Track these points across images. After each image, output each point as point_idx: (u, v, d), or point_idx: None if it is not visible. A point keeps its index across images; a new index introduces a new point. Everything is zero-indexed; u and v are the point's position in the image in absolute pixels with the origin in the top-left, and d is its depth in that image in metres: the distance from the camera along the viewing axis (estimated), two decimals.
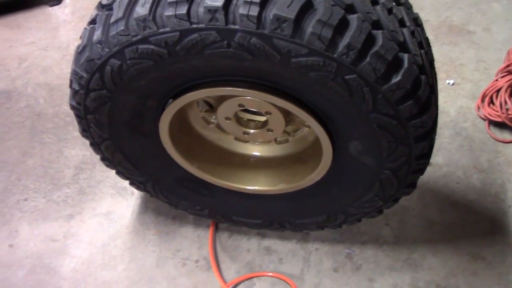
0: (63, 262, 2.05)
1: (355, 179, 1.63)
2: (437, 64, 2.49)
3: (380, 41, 1.24)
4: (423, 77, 1.33)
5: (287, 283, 1.91)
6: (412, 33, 1.37)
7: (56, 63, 2.78)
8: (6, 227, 2.17)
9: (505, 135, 2.23)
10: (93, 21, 1.40)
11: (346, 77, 1.25)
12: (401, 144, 1.42)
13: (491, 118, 2.21)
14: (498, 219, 2.01)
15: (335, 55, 1.21)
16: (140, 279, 1.97)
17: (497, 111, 2.19)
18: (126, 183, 2.23)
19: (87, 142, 2.32)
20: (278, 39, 1.20)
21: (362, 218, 1.83)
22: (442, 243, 1.97)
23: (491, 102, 2.24)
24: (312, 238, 2.03)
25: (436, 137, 2.24)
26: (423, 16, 2.73)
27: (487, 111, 2.23)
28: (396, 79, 1.27)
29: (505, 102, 2.17)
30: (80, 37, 1.44)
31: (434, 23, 2.72)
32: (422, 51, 1.39)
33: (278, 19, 1.17)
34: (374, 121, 1.36)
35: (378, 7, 1.30)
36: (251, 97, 1.52)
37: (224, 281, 1.93)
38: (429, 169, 2.17)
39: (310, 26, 1.19)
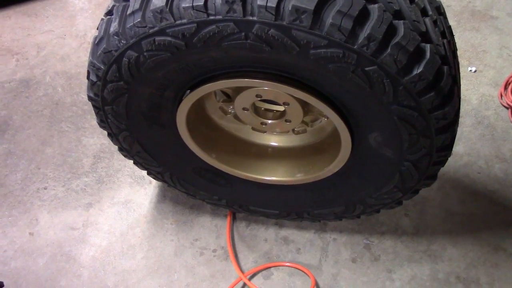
0: (82, 251, 2.07)
1: (374, 170, 1.61)
2: (459, 51, 2.43)
3: (401, 31, 1.21)
4: (445, 67, 1.30)
5: (305, 273, 1.91)
6: (435, 22, 1.33)
7: (73, 51, 2.78)
8: (26, 215, 2.20)
9: None
10: (109, 12, 1.39)
11: (367, 68, 1.23)
12: (423, 136, 1.40)
13: None
14: None
15: (355, 47, 1.19)
16: (158, 268, 1.99)
17: None
18: (144, 172, 2.24)
19: (105, 131, 2.34)
20: (297, 30, 1.18)
21: (381, 209, 1.81)
22: (462, 234, 1.95)
23: None
24: (330, 228, 2.02)
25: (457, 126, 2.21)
26: (444, 1, 2.68)
27: (510, 98, 2.18)
28: (418, 70, 1.24)
29: None
30: (97, 28, 1.43)
31: (456, 9, 2.66)
32: (445, 40, 1.35)
33: (297, 10, 1.15)
34: (394, 113, 1.34)
35: None
36: (269, 88, 1.51)
37: (242, 270, 1.93)
38: (449, 159, 2.12)
39: (329, 17, 1.16)
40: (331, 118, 1.46)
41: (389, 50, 1.20)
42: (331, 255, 1.95)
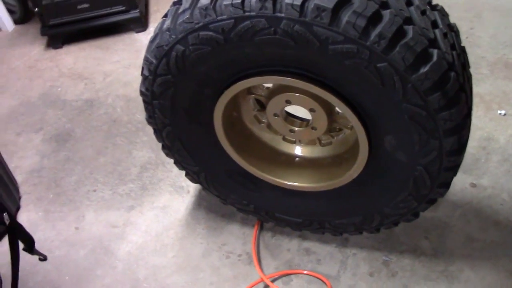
0: (120, 246, 2.25)
1: (390, 176, 1.73)
2: (489, 96, 2.59)
3: (410, 34, 1.38)
4: (452, 73, 1.45)
5: (323, 281, 1.99)
6: (445, 35, 1.50)
7: (136, 79, 3.11)
8: (75, 212, 2.42)
9: None
10: (165, 15, 1.65)
11: (378, 65, 1.40)
12: (432, 138, 1.52)
13: None
14: None
15: (367, 43, 1.37)
16: (186, 266, 2.12)
17: None
18: (184, 182, 2.45)
19: (154, 146, 2.60)
20: (317, 26, 1.38)
21: (399, 221, 1.90)
22: (481, 259, 1.98)
23: None
24: (351, 243, 2.11)
25: (483, 161, 2.32)
26: (479, 52, 2.85)
27: None
28: (424, 69, 1.39)
29: None
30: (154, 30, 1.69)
31: (490, 59, 2.80)
32: (454, 52, 1.51)
33: (318, 8, 1.36)
34: (405, 111, 1.48)
35: (412, 8, 1.46)
36: (297, 94, 1.71)
37: (263, 274, 2.04)
38: (473, 190, 2.21)
39: (346, 16, 1.36)
40: (349, 118, 1.61)
41: (397, 48, 1.37)
42: (350, 268, 2.03)
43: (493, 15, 3.17)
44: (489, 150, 2.35)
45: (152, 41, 1.66)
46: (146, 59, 1.70)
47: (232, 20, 1.46)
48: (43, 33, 3.51)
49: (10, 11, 3.83)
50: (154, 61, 1.67)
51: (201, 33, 1.52)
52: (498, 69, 2.74)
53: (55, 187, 2.56)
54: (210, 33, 1.51)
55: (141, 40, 3.49)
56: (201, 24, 1.51)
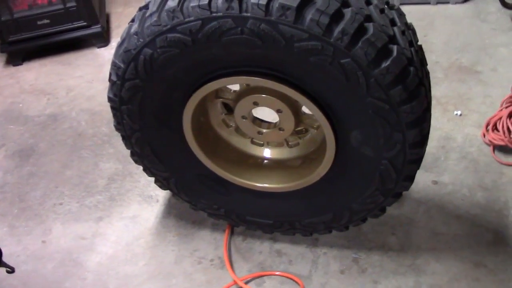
0: (89, 257, 2.22)
1: (357, 171, 1.79)
2: (445, 98, 2.71)
3: (371, 30, 1.46)
4: (411, 68, 1.53)
5: (296, 281, 2.02)
6: (403, 32, 1.58)
7: (99, 93, 3.10)
8: (41, 226, 2.38)
9: (510, 159, 2.35)
10: (132, 20, 1.68)
11: (342, 61, 1.46)
12: (395, 131, 1.59)
13: (495, 142, 2.35)
14: (501, 231, 2.09)
15: (331, 40, 1.43)
16: (158, 274, 2.11)
17: (500, 136, 2.33)
18: (152, 191, 2.45)
19: (121, 157, 2.59)
20: (282, 24, 1.43)
21: (367, 217, 1.96)
22: (446, 251, 2.06)
23: (495, 128, 2.38)
24: (321, 243, 2.15)
25: (443, 159, 2.41)
26: (433, 58, 2.98)
27: (491, 136, 2.37)
28: (386, 64, 1.47)
29: (508, 128, 2.31)
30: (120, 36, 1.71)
31: (444, 64, 2.93)
32: (412, 49, 1.59)
33: (283, 7, 1.41)
34: (369, 106, 1.54)
35: (371, 7, 1.53)
36: (264, 95, 1.76)
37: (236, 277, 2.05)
38: (434, 187, 2.30)
39: (310, 14, 1.42)
40: (316, 117, 1.67)
41: (360, 44, 1.44)
42: (321, 267, 2.07)
43: (445, 23, 3.32)
44: (447, 148, 2.44)
45: (119, 45, 1.68)
46: (113, 64, 1.72)
47: (200, 21, 1.50)
48: (2, 50, 3.46)
49: None
50: (122, 65, 1.69)
51: (169, 35, 1.55)
52: (452, 72, 2.87)
53: (19, 202, 2.51)
54: (178, 35, 1.54)
55: (104, 55, 3.48)
56: (168, 26, 1.54)
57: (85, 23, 3.44)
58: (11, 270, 1.88)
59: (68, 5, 3.35)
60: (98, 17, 3.48)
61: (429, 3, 3.49)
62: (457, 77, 2.83)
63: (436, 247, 2.08)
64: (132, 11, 3.63)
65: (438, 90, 2.76)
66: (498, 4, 3.38)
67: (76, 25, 3.43)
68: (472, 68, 2.88)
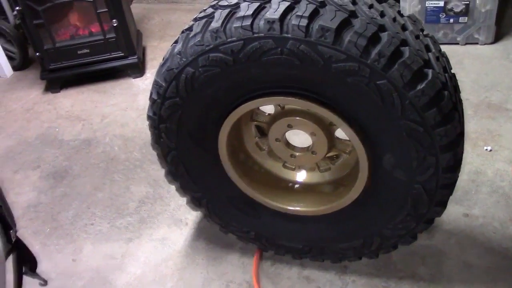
0: (118, 277, 2.24)
1: (389, 195, 1.80)
2: (475, 134, 2.72)
3: (407, 54, 1.50)
4: (446, 92, 1.56)
5: None
6: (437, 58, 1.63)
7: (132, 120, 3.19)
8: (72, 245, 2.42)
9: None
10: (176, 41, 1.76)
11: (378, 82, 1.50)
12: (429, 154, 1.60)
13: None
14: None
15: (368, 61, 1.48)
16: None
17: None
18: (182, 215, 2.48)
19: (152, 181, 2.64)
20: (321, 45, 1.49)
21: (397, 244, 1.95)
22: (477, 284, 2.02)
23: None
24: (350, 271, 2.13)
25: (473, 193, 2.40)
26: (463, 95, 2.96)
27: None
28: (421, 86, 1.50)
29: None
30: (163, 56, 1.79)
31: (474, 101, 2.95)
32: (446, 74, 1.63)
33: (323, 28, 1.47)
34: (403, 128, 1.57)
35: (407, 32, 1.58)
36: (298, 118, 1.81)
37: None
38: (465, 220, 2.28)
39: (348, 36, 1.47)
40: (350, 138, 1.70)
41: (396, 66, 1.48)
42: None
43: (474, 62, 3.37)
44: (478, 182, 2.44)
45: (162, 65, 1.76)
46: (155, 83, 1.79)
47: (242, 42, 1.56)
48: (42, 77, 3.60)
49: (10, 58, 3.93)
50: (163, 84, 1.76)
51: (211, 54, 1.62)
52: (481, 109, 2.89)
53: (51, 221, 2.56)
54: (220, 54, 1.61)
55: (138, 85, 3.60)
56: (211, 46, 1.61)
57: (122, 54, 3.57)
58: (44, 283, 1.90)
59: (108, 36, 3.50)
60: (135, 49, 3.62)
61: (458, 43, 3.55)
62: (486, 114, 2.84)
63: (468, 279, 2.05)
64: (167, 45, 3.76)
65: (468, 126, 2.76)
66: None
67: (114, 56, 3.56)
68: (501, 106, 2.89)
